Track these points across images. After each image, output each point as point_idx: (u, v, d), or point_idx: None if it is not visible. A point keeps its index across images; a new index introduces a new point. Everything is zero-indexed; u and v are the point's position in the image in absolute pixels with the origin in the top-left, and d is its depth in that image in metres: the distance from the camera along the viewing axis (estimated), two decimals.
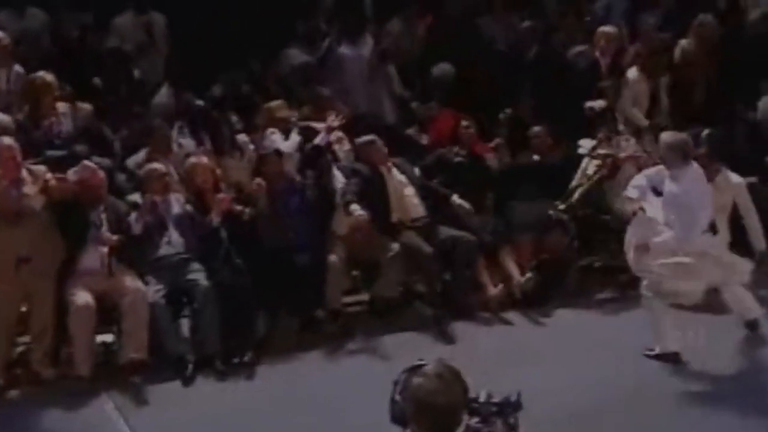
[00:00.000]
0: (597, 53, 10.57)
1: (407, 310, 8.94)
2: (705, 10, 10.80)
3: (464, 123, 9.67)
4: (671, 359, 7.74)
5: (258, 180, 8.62)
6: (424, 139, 10.32)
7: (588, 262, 9.49)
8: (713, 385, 7.50)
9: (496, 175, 9.71)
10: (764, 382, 7.61)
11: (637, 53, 10.41)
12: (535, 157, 9.74)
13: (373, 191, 8.82)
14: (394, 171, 9.11)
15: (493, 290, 8.85)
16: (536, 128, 9.72)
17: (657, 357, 7.78)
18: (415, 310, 8.94)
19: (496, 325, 8.70)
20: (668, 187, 7.63)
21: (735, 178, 8.65)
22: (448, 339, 8.37)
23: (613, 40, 10.56)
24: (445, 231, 9.03)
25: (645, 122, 10.14)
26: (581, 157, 9.46)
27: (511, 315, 8.78)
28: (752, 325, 8.12)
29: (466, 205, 9.14)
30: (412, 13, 11.43)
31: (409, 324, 8.66)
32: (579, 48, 10.73)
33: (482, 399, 3.92)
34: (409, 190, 9.09)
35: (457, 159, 9.54)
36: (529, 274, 8.85)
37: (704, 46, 10.35)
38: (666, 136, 7.79)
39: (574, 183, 9.35)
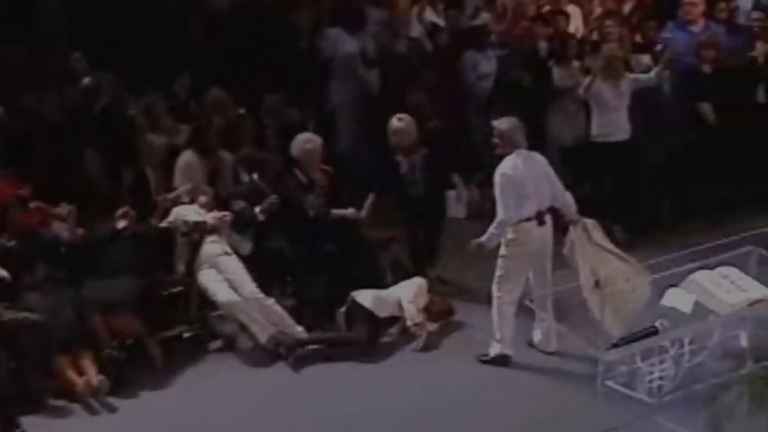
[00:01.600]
0: None
1: None
2: None
3: (13, 210, 8.71)
4: (501, 362, 8.09)
5: None
6: None
7: (177, 333, 8.92)
8: None
9: (65, 248, 8.82)
10: None
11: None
12: (121, 224, 8.95)
13: None
14: None
15: (77, 378, 8.06)
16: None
17: (490, 361, 8.12)
18: None
19: (73, 414, 7.97)
20: (505, 168, 7.95)
21: None
22: None
23: None
24: (6, 314, 8.05)
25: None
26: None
27: (92, 400, 8.04)
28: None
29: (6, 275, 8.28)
30: None
31: None
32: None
33: None
34: None
35: (10, 244, 8.57)
36: (101, 377, 8.08)
37: None
38: (505, 120, 8.15)
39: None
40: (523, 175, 7.99)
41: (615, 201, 10.53)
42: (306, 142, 9.47)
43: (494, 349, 8.15)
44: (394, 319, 8.83)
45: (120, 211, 8.98)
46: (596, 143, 10.42)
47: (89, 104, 10.09)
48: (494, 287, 8.12)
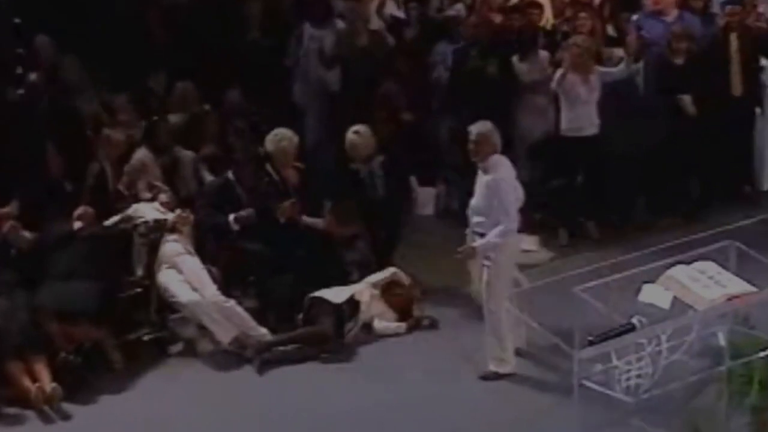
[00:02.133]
0: None
1: None
2: None
3: None
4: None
5: None
6: None
7: (137, 336, 8.67)
8: None
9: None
10: None
11: None
12: (77, 225, 8.70)
13: None
14: None
15: (30, 385, 7.78)
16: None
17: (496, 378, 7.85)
18: None
19: (27, 422, 7.74)
20: (502, 175, 7.75)
21: None
22: None
23: None
24: None
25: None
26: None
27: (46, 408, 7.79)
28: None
29: None
30: None
31: None
32: None
33: None
34: None
35: None
36: (54, 384, 7.79)
37: None
38: (482, 124, 7.88)
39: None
40: (513, 181, 7.87)
41: (588, 197, 10.32)
42: (282, 139, 9.25)
43: (503, 368, 7.86)
44: (355, 310, 8.62)
45: (78, 212, 8.74)
46: (566, 138, 10.15)
47: (35, 99, 9.77)
48: (488, 306, 7.75)
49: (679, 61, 10.46)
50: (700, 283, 6.48)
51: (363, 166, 9.42)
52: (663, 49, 10.55)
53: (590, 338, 6.28)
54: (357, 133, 9.42)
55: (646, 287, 6.49)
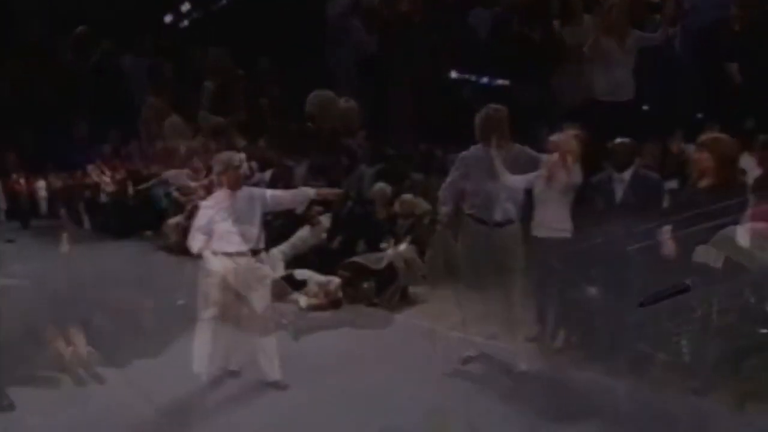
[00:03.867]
0: None
1: None
2: None
3: None
4: None
5: None
6: None
7: (171, 300, 8.58)
8: None
9: None
10: None
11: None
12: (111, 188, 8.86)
13: None
14: None
15: (64, 349, 7.74)
16: None
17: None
18: None
19: (62, 385, 7.66)
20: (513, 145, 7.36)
21: None
22: None
23: None
24: None
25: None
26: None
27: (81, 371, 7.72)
28: None
29: None
30: None
31: None
32: None
33: None
34: None
35: None
36: (89, 348, 7.76)
37: None
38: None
39: None
40: None
41: None
42: (328, 99, 9.32)
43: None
44: (394, 276, 8.47)
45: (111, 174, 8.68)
46: (601, 102, 9.89)
47: (82, 57, 9.70)
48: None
49: (737, 27, 10.22)
50: (755, 243, 6.31)
51: (353, 142, 9.27)
52: (709, 15, 10.27)
53: (641, 299, 6.11)
54: (350, 101, 9.34)
55: (699, 248, 6.32)
